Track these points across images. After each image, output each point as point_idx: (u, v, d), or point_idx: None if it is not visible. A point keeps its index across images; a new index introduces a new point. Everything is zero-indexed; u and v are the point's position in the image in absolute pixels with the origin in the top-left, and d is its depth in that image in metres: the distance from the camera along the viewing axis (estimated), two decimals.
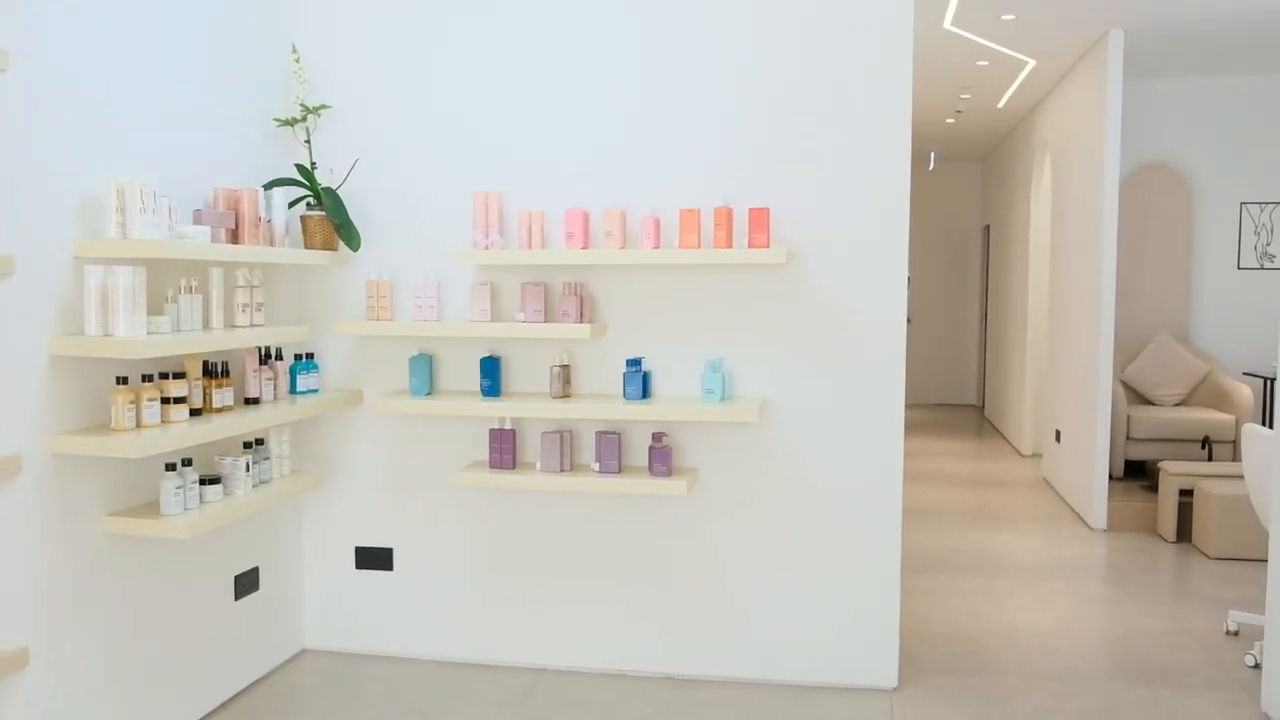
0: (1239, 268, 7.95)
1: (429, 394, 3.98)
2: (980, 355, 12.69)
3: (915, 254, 12.66)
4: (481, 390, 3.92)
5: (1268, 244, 7.89)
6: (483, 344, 4.02)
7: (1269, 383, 7.23)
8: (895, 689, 3.92)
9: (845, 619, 3.91)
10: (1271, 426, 3.84)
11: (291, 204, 3.93)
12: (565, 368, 3.86)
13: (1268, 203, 7.84)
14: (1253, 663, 4.16)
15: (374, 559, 4.20)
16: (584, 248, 3.80)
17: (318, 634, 4.27)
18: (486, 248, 3.85)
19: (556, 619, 4.09)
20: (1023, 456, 9.27)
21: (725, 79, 3.83)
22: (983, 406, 12.40)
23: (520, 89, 3.96)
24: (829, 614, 3.92)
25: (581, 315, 3.82)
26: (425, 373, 3.95)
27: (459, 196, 3.98)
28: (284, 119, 3.93)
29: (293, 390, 3.91)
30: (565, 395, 3.87)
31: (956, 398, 13.09)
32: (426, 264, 4.02)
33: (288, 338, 3.71)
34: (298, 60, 3.93)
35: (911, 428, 10.86)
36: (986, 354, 12.16)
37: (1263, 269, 7.89)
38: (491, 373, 3.91)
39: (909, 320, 12.70)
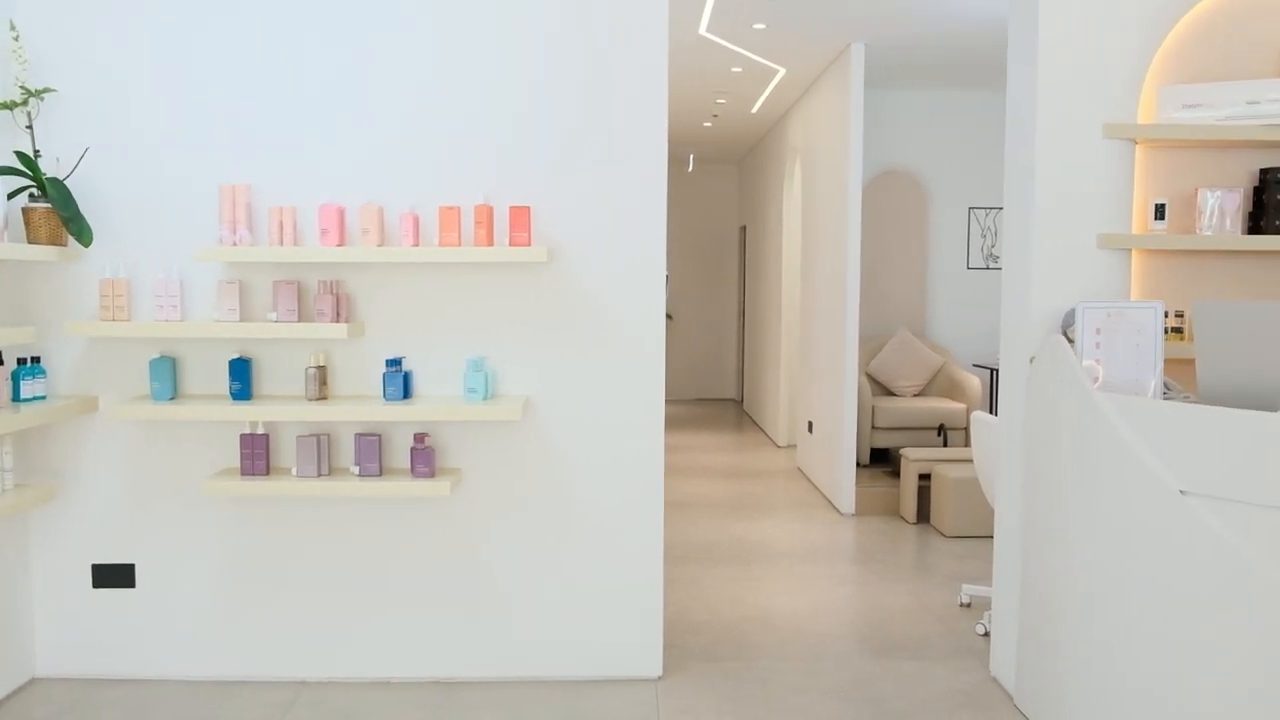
0: (968, 267, 8.60)
1: (173, 398, 3.75)
2: (739, 351, 13.17)
3: (676, 253, 13.00)
4: (231, 393, 3.74)
5: (992, 246, 8.57)
6: (232, 345, 3.83)
7: (994, 373, 7.85)
8: (660, 678, 4.01)
9: (611, 612, 3.97)
10: (996, 414, 4.19)
11: (12, 195, 3.60)
12: (321, 368, 3.73)
13: (992, 208, 8.52)
14: (983, 631, 4.51)
15: (113, 576, 3.92)
16: (340, 245, 3.69)
17: (50, 660, 3.95)
18: (234, 244, 3.67)
19: (317, 629, 3.95)
20: (779, 447, 9.69)
21: (484, 77, 3.80)
22: (742, 400, 12.87)
23: (272, 75, 3.79)
24: (595, 608, 3.97)
25: (338, 314, 3.70)
26: (168, 376, 3.73)
27: (204, 189, 3.77)
28: (2, 102, 3.61)
29: (16, 397, 3.60)
30: (322, 397, 3.74)
31: (717, 392, 13.53)
32: (168, 261, 3.79)
33: (9, 340, 3.41)
34: (17, 38, 3.62)
35: (674, 422, 11.15)
36: (744, 350, 12.63)
37: (988, 269, 8.57)
38: (241, 375, 3.73)
39: (670, 317, 13.03)
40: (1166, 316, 3.69)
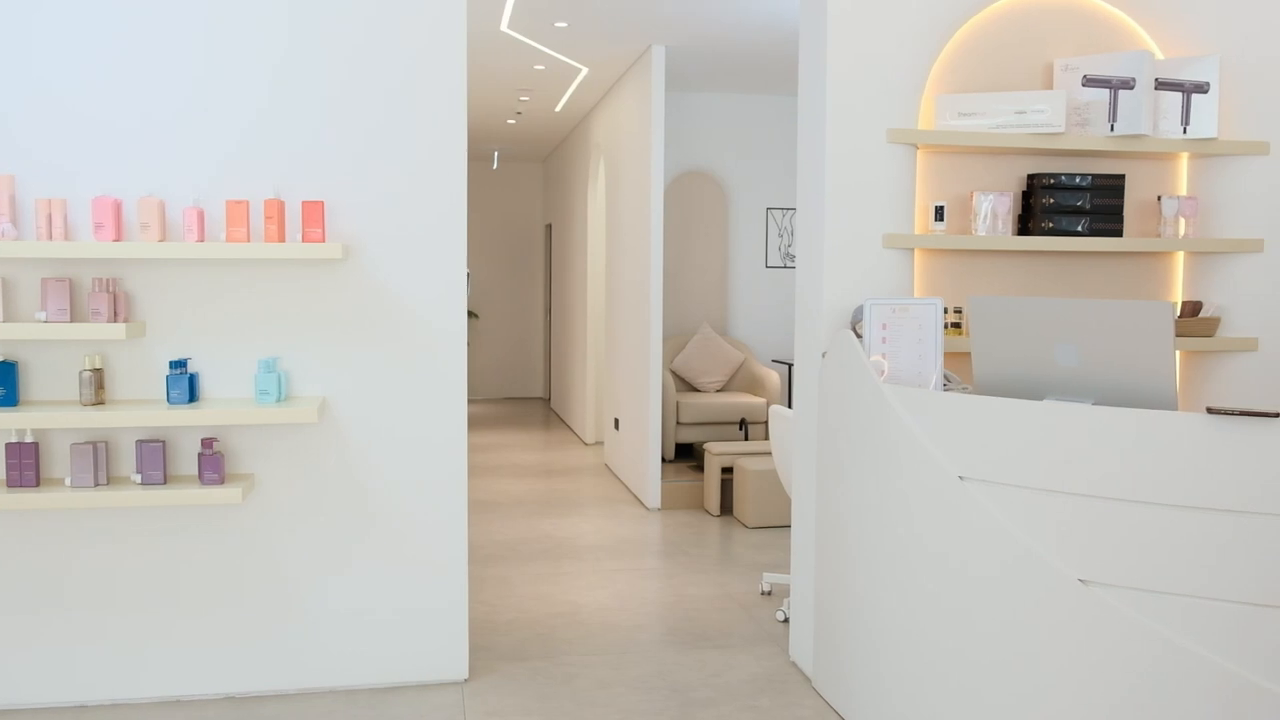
0: (767, 266, 8.87)
1: None
2: (546, 349, 13.16)
3: (482, 251, 12.89)
4: None
5: (789, 245, 8.87)
6: None
7: (792, 368, 8.13)
8: (466, 680, 3.96)
9: (414, 617, 3.89)
10: (792, 407, 4.34)
11: None
12: (98, 371, 3.51)
13: (788, 208, 8.81)
14: (783, 618, 4.66)
15: None
16: (116, 240, 3.47)
17: None
18: None
19: (99, 648, 3.71)
20: (586, 445, 9.74)
21: (276, 67, 3.65)
22: (549, 398, 12.87)
23: (33, 56, 3.53)
24: (398, 613, 3.88)
25: (116, 314, 3.48)
26: None
27: None
28: None
29: None
30: (99, 402, 3.51)
31: (524, 391, 13.49)
32: None
33: None
34: None
35: (480, 422, 11.05)
36: (551, 348, 12.63)
37: (785, 268, 8.87)
38: (6, 380, 3.46)
39: (475, 315, 12.91)
40: (946, 312, 3.91)
